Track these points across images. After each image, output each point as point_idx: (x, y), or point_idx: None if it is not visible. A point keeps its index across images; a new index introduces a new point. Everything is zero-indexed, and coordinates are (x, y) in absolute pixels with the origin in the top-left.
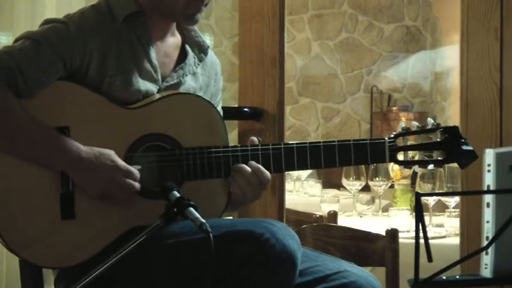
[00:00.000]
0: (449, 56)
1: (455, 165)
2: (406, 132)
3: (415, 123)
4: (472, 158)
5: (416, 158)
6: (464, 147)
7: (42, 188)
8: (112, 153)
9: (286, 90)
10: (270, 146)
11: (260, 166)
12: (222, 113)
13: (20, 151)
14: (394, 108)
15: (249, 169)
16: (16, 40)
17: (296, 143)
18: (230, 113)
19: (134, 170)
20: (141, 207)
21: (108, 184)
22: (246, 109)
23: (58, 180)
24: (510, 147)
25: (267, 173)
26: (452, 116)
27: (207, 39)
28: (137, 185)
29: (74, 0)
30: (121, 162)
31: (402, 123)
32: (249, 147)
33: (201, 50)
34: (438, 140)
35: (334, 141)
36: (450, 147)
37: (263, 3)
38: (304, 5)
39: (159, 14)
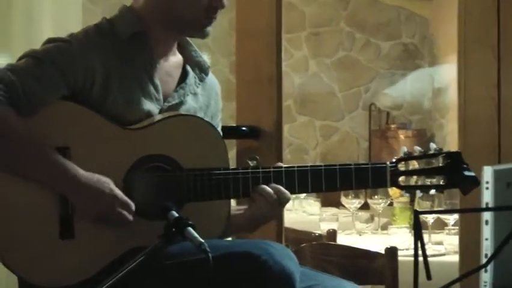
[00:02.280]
0: (446, 73)
1: None
2: (408, 157)
3: (417, 148)
4: (474, 184)
5: (418, 183)
6: (466, 173)
7: (42, 208)
8: (110, 182)
9: (284, 109)
10: (271, 169)
11: (281, 187)
12: (221, 134)
13: (21, 170)
14: (393, 125)
15: (270, 190)
16: (20, 58)
17: (297, 166)
18: (227, 132)
19: (130, 202)
20: (141, 228)
21: (104, 211)
22: (243, 128)
23: (58, 200)
24: (508, 164)
25: (288, 193)
26: (450, 133)
27: (204, 58)
28: (130, 217)
29: (71, 22)
30: (119, 192)
31: (405, 148)
32: (250, 170)
33: (202, 70)
34: (440, 165)
35: (336, 165)
36: (452, 173)
37: (260, 22)
38: (302, 23)
39: (168, 29)
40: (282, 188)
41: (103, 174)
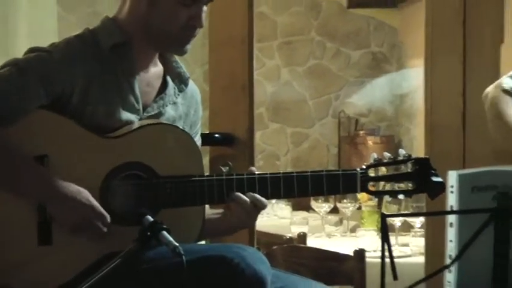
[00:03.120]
0: (413, 80)
1: None
2: (378, 163)
3: (387, 154)
4: (441, 189)
5: (387, 188)
6: (434, 179)
7: (20, 216)
8: (88, 194)
9: (257, 116)
10: (245, 176)
11: (257, 195)
12: (201, 141)
13: (2, 180)
14: (361, 132)
15: (246, 198)
16: (1, 67)
17: (270, 173)
18: (201, 139)
19: (106, 214)
20: (117, 234)
21: (80, 221)
22: (216, 135)
23: (36, 208)
24: (473, 169)
25: (264, 200)
26: (417, 137)
27: (184, 69)
28: (104, 229)
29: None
30: (95, 204)
31: (374, 154)
32: (224, 177)
33: (182, 81)
34: (409, 171)
35: (307, 172)
36: (420, 179)
37: (232, 31)
38: (273, 32)
39: (149, 42)
40: (258, 196)
41: (80, 182)
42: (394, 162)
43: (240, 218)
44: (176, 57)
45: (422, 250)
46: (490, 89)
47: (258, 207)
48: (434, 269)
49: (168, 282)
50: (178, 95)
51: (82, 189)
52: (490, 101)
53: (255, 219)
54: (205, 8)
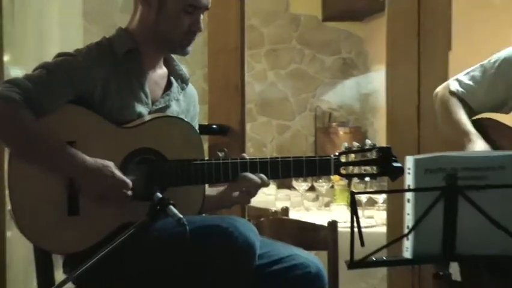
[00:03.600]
0: (376, 81)
1: None
2: (348, 151)
3: (356, 144)
4: (400, 173)
5: (355, 172)
6: (395, 164)
7: (53, 190)
8: (112, 165)
9: (247, 111)
10: (238, 161)
11: (263, 175)
12: (198, 131)
13: (36, 159)
14: (334, 124)
15: (255, 177)
16: (35, 69)
17: (259, 158)
18: (201, 129)
19: (128, 180)
20: (132, 206)
21: (105, 190)
22: (214, 126)
23: (66, 183)
24: (426, 154)
25: (268, 180)
26: (379, 130)
27: (185, 71)
28: (129, 193)
29: (74, 38)
30: (118, 173)
31: (345, 143)
32: (221, 161)
33: (183, 81)
34: (374, 157)
35: (290, 158)
36: (383, 164)
37: (227, 40)
38: (261, 41)
39: (156, 47)
40: (264, 176)
41: None
42: (361, 150)
43: (247, 191)
44: (179, 61)
45: (385, 221)
46: (439, 89)
47: (263, 185)
48: (394, 237)
49: (174, 248)
50: (180, 93)
51: (106, 161)
52: (439, 100)
53: (254, 195)
54: (202, 16)
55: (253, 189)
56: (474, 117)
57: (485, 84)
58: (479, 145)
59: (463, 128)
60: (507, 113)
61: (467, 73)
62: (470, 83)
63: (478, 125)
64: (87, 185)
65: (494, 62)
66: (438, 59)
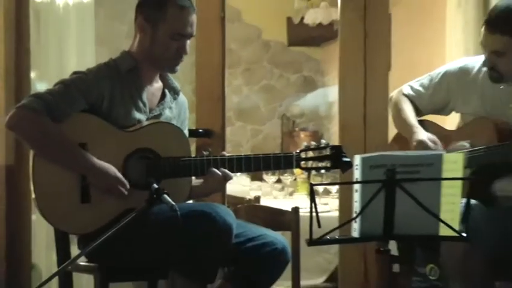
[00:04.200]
0: (331, 94)
1: None
2: (307, 148)
3: (313, 143)
4: (349, 166)
5: (313, 166)
6: (345, 159)
7: (69, 182)
8: (114, 169)
9: (227, 118)
10: (218, 157)
11: (226, 170)
12: (188, 133)
13: (56, 158)
14: (297, 129)
15: (219, 172)
16: (55, 84)
17: (236, 156)
18: (190, 133)
19: (126, 181)
20: (133, 195)
21: (109, 186)
22: (200, 130)
23: (79, 177)
24: (370, 154)
25: (231, 174)
26: (333, 133)
27: (176, 84)
28: (125, 192)
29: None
30: (119, 175)
31: (305, 143)
32: (205, 158)
33: (175, 92)
34: (328, 154)
35: (260, 155)
36: (335, 159)
37: (211, 60)
38: (238, 61)
39: (151, 65)
40: (228, 171)
41: (109, 161)
42: (318, 148)
43: (213, 185)
44: (171, 76)
45: (337, 207)
46: (393, 93)
47: (227, 179)
48: (345, 221)
49: (168, 228)
50: (173, 102)
51: (110, 165)
52: (393, 101)
53: (224, 186)
54: (188, 42)
55: (220, 181)
56: (419, 118)
57: (430, 91)
58: (421, 134)
59: (409, 122)
60: (447, 114)
61: (418, 80)
62: (419, 88)
63: (421, 123)
64: (95, 181)
65: (439, 73)
66: (380, 77)
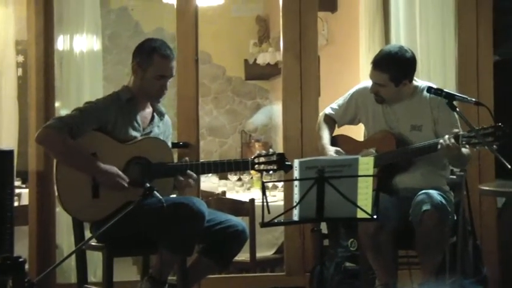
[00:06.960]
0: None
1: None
2: (260, 155)
3: (263, 151)
4: (290, 168)
5: (264, 168)
6: (287, 163)
7: (83, 182)
8: (117, 169)
9: (201, 134)
10: (193, 163)
11: (191, 173)
12: (171, 145)
13: (73, 165)
14: (252, 140)
15: (194, 174)
16: (73, 110)
17: (206, 161)
18: (173, 145)
19: (126, 177)
20: (131, 191)
21: (113, 183)
22: (181, 143)
23: (91, 178)
24: (306, 158)
25: (195, 175)
26: (279, 143)
27: (162, 109)
28: (126, 185)
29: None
30: (120, 172)
31: (257, 151)
32: (184, 163)
33: (162, 115)
34: (274, 159)
35: (224, 160)
36: (280, 163)
37: (188, 91)
38: (209, 92)
39: (143, 97)
40: (194, 174)
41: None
42: (267, 155)
43: (184, 184)
44: (159, 104)
45: (282, 198)
46: (320, 115)
47: (193, 179)
48: (288, 208)
49: (156, 215)
50: (160, 122)
51: (113, 166)
52: (318, 122)
53: (191, 186)
54: (169, 80)
55: (188, 181)
56: (333, 135)
57: (343, 107)
58: (329, 151)
59: (321, 141)
60: (356, 124)
61: (336, 102)
62: (336, 107)
63: (335, 138)
64: (103, 180)
65: (350, 92)
66: (312, 102)
